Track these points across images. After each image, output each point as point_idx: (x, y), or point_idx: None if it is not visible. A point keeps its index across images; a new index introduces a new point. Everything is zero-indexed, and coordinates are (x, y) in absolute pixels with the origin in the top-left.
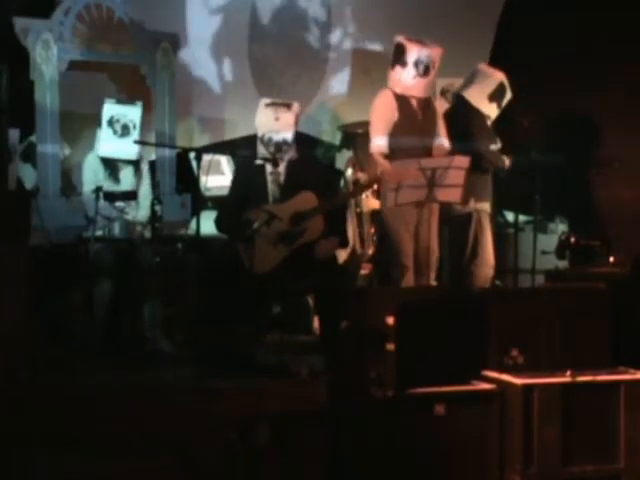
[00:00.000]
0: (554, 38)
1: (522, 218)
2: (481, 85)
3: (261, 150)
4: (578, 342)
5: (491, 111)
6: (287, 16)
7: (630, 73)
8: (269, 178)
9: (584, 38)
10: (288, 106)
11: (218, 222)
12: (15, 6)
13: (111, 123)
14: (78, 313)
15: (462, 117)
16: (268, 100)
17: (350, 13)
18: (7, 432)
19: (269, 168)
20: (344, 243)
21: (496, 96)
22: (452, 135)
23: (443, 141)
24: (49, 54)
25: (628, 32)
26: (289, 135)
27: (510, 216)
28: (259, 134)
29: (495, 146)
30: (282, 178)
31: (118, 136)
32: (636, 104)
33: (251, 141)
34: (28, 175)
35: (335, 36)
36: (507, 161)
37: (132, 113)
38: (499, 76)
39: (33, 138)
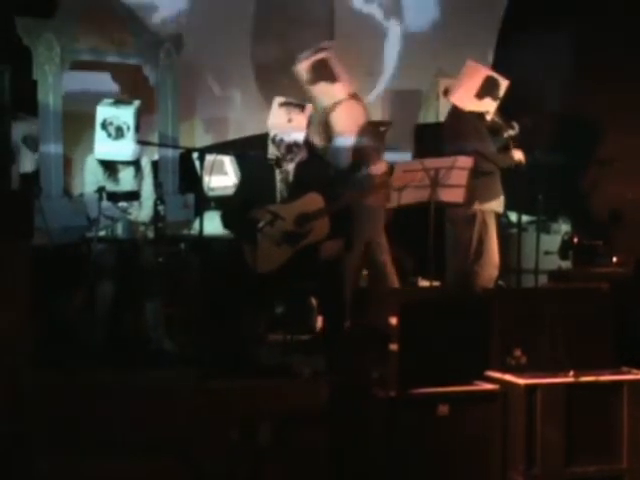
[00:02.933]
0: (555, 38)
1: (525, 218)
2: (465, 86)
3: (271, 150)
4: (581, 342)
5: (485, 107)
6: (289, 15)
7: (632, 73)
8: (278, 177)
9: (585, 39)
10: (302, 107)
11: (224, 218)
12: (18, 6)
13: (104, 126)
14: (80, 313)
15: (454, 122)
16: (282, 99)
17: (352, 13)
18: (7, 432)
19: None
20: (349, 245)
21: (486, 92)
22: (450, 138)
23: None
24: (52, 54)
25: (629, 33)
26: (300, 137)
27: (513, 216)
28: (271, 134)
29: (513, 131)
30: (290, 177)
31: (112, 138)
32: (638, 104)
33: (259, 140)
34: None
35: (337, 35)
36: (517, 155)
37: (125, 115)
38: (483, 72)
39: None
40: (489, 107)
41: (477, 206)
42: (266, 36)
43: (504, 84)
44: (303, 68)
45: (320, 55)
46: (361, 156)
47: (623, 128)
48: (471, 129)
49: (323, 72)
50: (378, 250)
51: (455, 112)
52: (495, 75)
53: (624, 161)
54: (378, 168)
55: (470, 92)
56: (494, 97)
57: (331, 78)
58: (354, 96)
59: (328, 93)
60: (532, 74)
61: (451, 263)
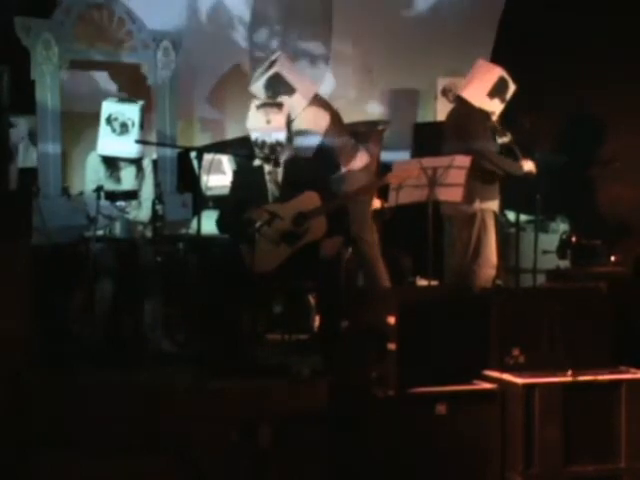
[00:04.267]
0: (556, 37)
1: (523, 217)
2: (479, 83)
3: (256, 152)
4: (579, 341)
5: (494, 107)
6: (289, 15)
7: (632, 73)
8: (267, 178)
9: (585, 38)
10: (279, 106)
11: (220, 223)
12: (16, 6)
13: (109, 121)
14: (79, 313)
15: (462, 118)
16: (258, 101)
17: (352, 11)
18: (7, 432)
19: (267, 167)
20: (347, 243)
21: (497, 92)
22: (455, 136)
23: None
24: (50, 54)
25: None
26: (282, 136)
27: (511, 215)
28: (252, 138)
29: (506, 138)
30: (279, 177)
31: (117, 134)
32: (637, 104)
33: (248, 141)
34: None
35: (336, 34)
36: (528, 165)
37: (131, 111)
38: (497, 71)
39: None
40: (496, 108)
41: (478, 205)
42: (264, 33)
43: (512, 88)
44: (259, 87)
45: (272, 70)
46: (334, 157)
47: (622, 128)
48: (480, 128)
49: (280, 87)
50: (365, 247)
51: (464, 109)
52: (507, 76)
53: (623, 161)
54: (356, 163)
55: (483, 90)
56: (502, 99)
57: (289, 91)
58: (315, 100)
59: (290, 106)
60: (531, 74)
61: (449, 262)
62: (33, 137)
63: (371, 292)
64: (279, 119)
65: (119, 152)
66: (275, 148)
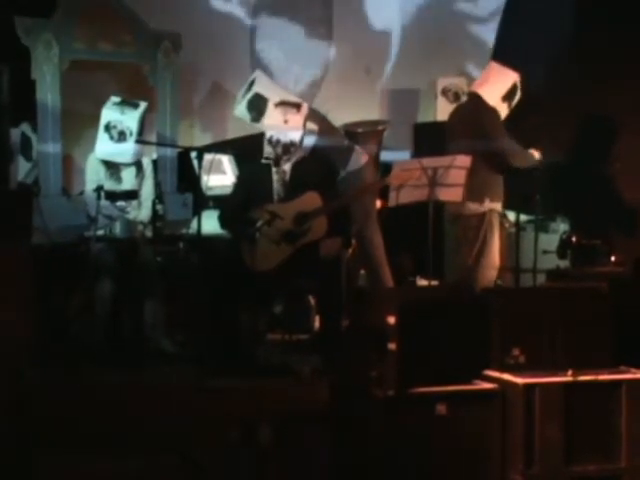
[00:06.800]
0: (556, 36)
1: (523, 217)
2: (495, 85)
3: (267, 150)
4: (580, 341)
5: (502, 111)
6: (289, 14)
7: (633, 73)
8: (275, 177)
9: (586, 37)
10: (298, 107)
11: (222, 219)
12: (17, 5)
13: (108, 128)
14: (79, 313)
15: (479, 115)
16: (277, 99)
17: (352, 11)
18: (8, 432)
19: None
20: (348, 243)
21: (508, 96)
22: (464, 134)
23: None
24: (51, 54)
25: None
26: (297, 136)
27: (512, 215)
28: (267, 135)
29: None
30: (287, 177)
31: (114, 141)
32: (638, 104)
33: (257, 140)
34: None
35: (337, 35)
36: (537, 154)
37: (130, 120)
38: (513, 76)
39: None
40: (504, 112)
41: (488, 204)
42: (265, 34)
43: (518, 95)
44: (242, 110)
45: (252, 92)
46: (329, 159)
47: (623, 128)
48: (495, 125)
49: (262, 106)
50: (371, 248)
51: (475, 106)
52: (518, 83)
53: (624, 161)
54: (354, 164)
55: (499, 92)
56: (509, 105)
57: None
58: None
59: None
60: (531, 74)
61: (452, 262)
62: None
63: (371, 292)
64: (297, 119)
65: (116, 156)
66: (289, 148)
